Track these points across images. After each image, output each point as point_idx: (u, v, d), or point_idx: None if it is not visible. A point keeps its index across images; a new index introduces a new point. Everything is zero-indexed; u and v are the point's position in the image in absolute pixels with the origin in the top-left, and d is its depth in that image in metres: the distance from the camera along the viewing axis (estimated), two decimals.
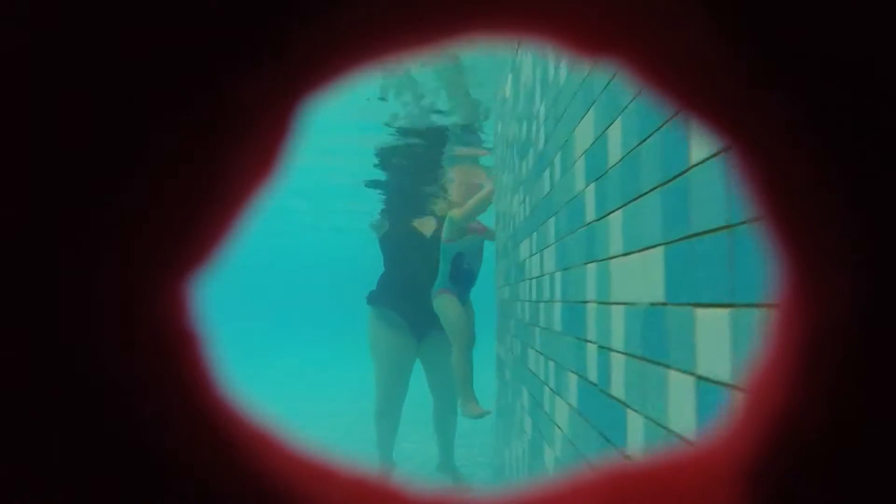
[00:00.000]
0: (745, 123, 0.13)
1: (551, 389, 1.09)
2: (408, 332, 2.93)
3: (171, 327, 0.13)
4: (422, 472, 3.12)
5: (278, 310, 14.76)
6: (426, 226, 3.07)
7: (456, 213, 2.51)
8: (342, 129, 2.69)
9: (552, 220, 1.10)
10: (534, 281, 1.35)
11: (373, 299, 2.95)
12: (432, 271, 2.81)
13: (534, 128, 1.39)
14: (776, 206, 0.14)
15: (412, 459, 3.47)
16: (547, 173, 1.17)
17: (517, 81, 1.73)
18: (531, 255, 1.39)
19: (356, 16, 0.12)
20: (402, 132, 2.68)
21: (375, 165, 3.26)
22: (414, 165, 3.19)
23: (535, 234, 1.34)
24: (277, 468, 0.14)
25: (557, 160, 1.06)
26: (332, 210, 5.31)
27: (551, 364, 1.09)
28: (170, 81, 0.11)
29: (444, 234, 2.56)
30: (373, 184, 3.54)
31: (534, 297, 1.34)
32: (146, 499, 0.12)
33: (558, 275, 1.04)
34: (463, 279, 2.57)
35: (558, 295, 1.03)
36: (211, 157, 0.12)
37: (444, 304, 2.53)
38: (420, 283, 2.84)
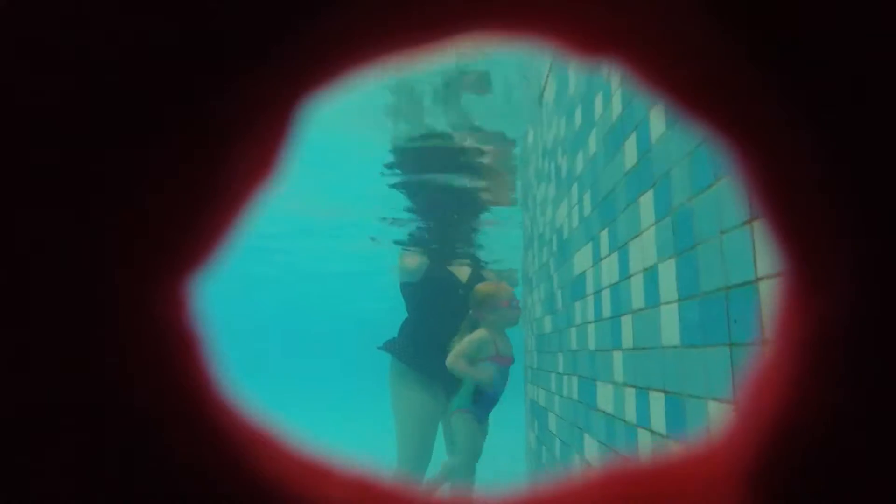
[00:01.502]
0: (746, 123, 0.13)
1: (657, 434, 0.77)
2: (438, 390, 2.59)
3: (170, 327, 0.13)
4: None
5: (279, 363, 14.41)
6: (462, 272, 2.77)
7: (450, 360, 2.31)
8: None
9: (649, 194, 0.80)
10: (606, 292, 1.03)
11: (396, 351, 2.61)
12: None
13: (598, 103, 1.11)
14: (777, 206, 0.14)
15: None
16: (632, 140, 0.88)
17: (564, 89, 1.47)
18: (599, 262, 1.09)
19: (357, 14, 0.12)
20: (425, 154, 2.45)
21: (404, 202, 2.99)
22: (448, 199, 2.91)
23: (604, 231, 1.04)
24: (277, 468, 0.14)
25: (658, 113, 0.77)
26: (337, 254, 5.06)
27: (657, 397, 0.77)
28: (170, 80, 0.11)
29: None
30: (401, 220, 3.25)
31: (608, 312, 1.02)
32: (145, 499, 0.12)
33: (668, 264, 0.73)
34: (485, 403, 2.39)
35: (671, 292, 0.72)
36: (211, 156, 0.12)
37: (462, 426, 2.35)
38: (455, 334, 2.50)
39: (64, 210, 0.11)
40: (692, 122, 0.14)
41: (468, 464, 2.36)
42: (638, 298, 0.85)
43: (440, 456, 2.61)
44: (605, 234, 1.05)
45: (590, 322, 1.16)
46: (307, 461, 0.15)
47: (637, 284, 0.85)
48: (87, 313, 0.11)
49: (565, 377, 1.43)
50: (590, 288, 1.16)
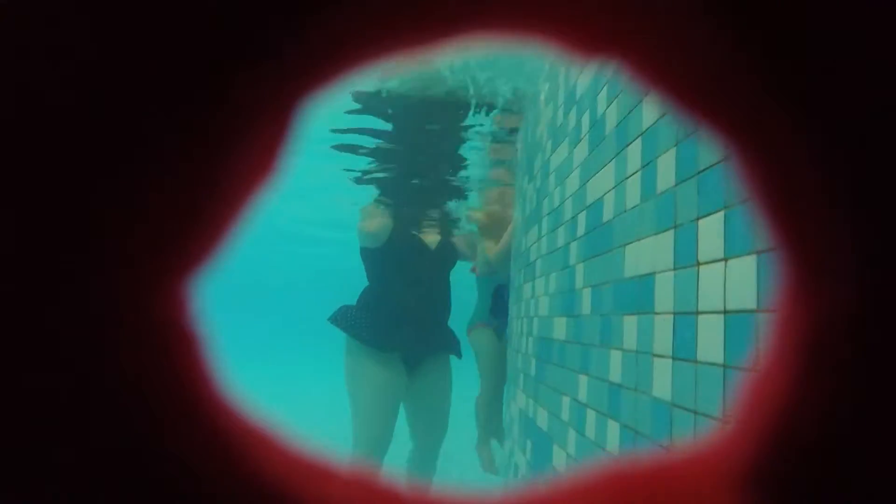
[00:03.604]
0: (747, 125, 0.13)
1: None
2: (399, 366, 2.21)
3: (170, 327, 0.13)
4: None
5: (258, 320, 14.05)
6: (430, 237, 2.37)
7: (490, 250, 2.19)
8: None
9: None
10: (716, 318, 0.62)
11: (351, 327, 2.20)
12: (435, 292, 2.27)
13: None
14: (777, 207, 0.14)
15: None
16: None
17: None
18: (694, 265, 0.66)
19: (355, 16, 0.12)
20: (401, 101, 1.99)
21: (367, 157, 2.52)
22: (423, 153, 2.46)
23: (717, 216, 0.62)
24: (276, 468, 0.14)
25: None
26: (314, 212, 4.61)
27: None
28: (170, 81, 0.11)
29: (478, 269, 2.30)
30: (366, 179, 2.78)
31: (714, 353, 0.61)
32: (144, 498, 0.12)
33: None
34: (505, 313, 2.20)
35: None
36: (210, 156, 0.12)
37: (484, 340, 2.23)
38: (422, 306, 2.22)
39: (62, 210, 0.11)
40: (694, 122, 0.14)
41: (496, 387, 2.17)
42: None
43: (400, 440, 2.24)
44: (716, 221, 0.62)
45: (661, 356, 0.75)
46: (307, 461, 0.15)
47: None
48: (86, 313, 0.11)
49: (592, 413, 1.02)
50: (664, 303, 0.74)
